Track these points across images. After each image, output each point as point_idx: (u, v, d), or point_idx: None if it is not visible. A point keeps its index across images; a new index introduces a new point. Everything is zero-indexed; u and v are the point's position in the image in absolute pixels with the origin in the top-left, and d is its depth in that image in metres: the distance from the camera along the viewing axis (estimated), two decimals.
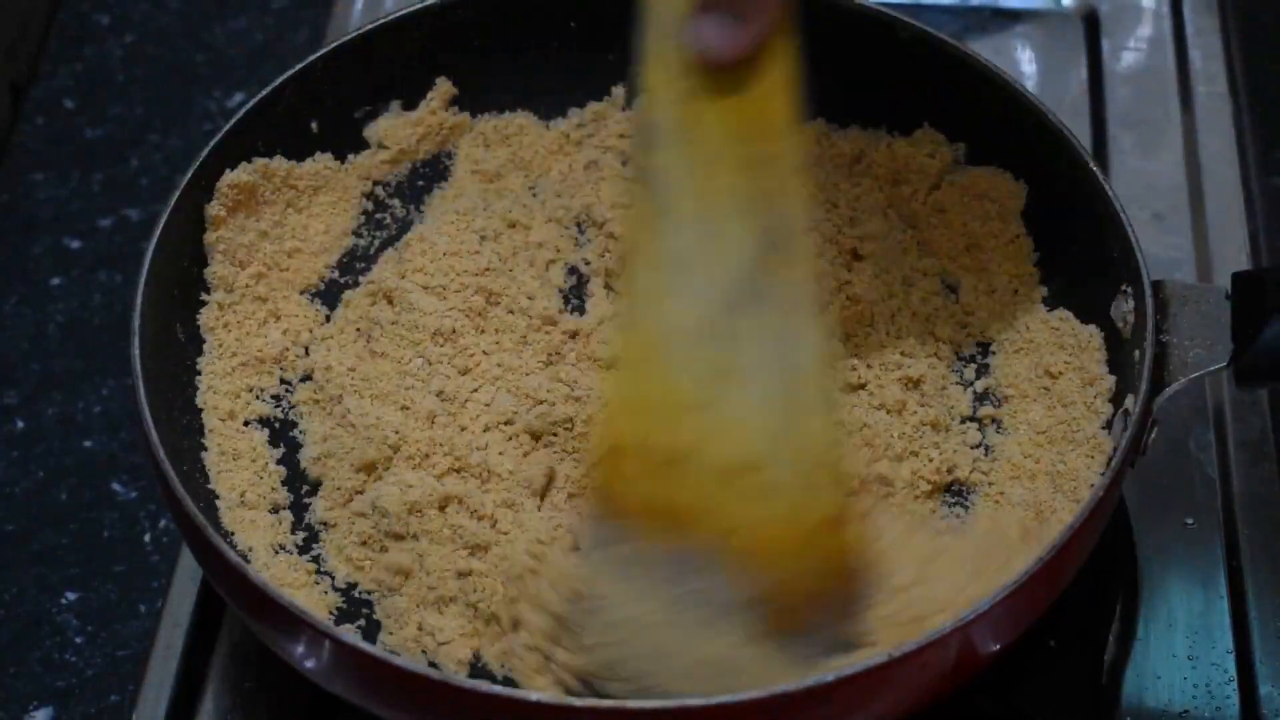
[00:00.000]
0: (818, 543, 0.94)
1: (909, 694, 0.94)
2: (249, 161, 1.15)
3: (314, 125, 1.19)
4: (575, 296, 1.16)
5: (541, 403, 1.08)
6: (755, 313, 0.91)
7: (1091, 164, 1.10)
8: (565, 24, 1.24)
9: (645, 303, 0.94)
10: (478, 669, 1.00)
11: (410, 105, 1.22)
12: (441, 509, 1.04)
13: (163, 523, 1.17)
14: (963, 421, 1.10)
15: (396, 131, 1.21)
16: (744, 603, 0.92)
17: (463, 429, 1.08)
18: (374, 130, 1.21)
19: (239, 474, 1.07)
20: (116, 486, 1.20)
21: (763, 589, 0.92)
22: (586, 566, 0.96)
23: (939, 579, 0.97)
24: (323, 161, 1.19)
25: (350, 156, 1.21)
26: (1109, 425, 1.05)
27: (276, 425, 1.11)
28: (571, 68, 1.24)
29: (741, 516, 0.93)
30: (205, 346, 1.11)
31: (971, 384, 1.12)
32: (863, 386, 1.10)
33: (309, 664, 0.97)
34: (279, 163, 1.16)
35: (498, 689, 0.92)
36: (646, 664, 0.93)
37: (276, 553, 1.05)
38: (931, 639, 0.91)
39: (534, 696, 0.92)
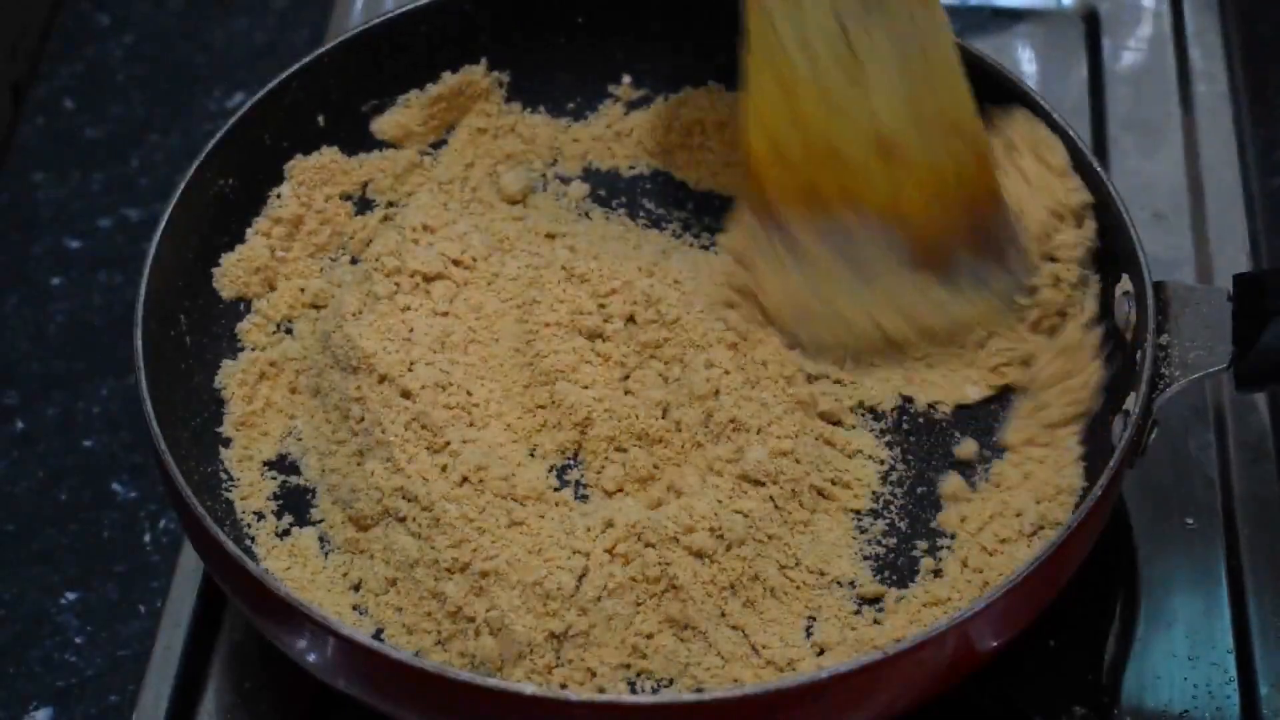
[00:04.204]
0: (962, 193, 1.08)
1: (907, 690, 0.94)
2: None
3: (320, 119, 1.19)
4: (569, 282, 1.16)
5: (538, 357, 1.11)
6: (881, 12, 1.05)
7: (1096, 165, 1.10)
8: (572, 19, 1.24)
9: (768, 18, 1.06)
10: None
11: (416, 100, 1.22)
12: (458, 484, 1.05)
13: (163, 523, 1.17)
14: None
15: (402, 125, 1.22)
16: (903, 250, 1.08)
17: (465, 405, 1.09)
18: (380, 124, 1.22)
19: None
20: (116, 486, 1.20)
21: (920, 235, 1.08)
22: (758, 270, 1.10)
23: None
24: (329, 155, 1.20)
25: (357, 150, 1.21)
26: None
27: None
28: (577, 62, 1.25)
29: (892, 187, 1.07)
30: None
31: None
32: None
33: (311, 658, 0.97)
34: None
35: (495, 683, 0.92)
36: (832, 330, 1.10)
37: (278, 542, 1.07)
38: (929, 636, 0.91)
39: (529, 690, 0.92)
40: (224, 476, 1.09)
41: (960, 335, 1.11)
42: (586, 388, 1.10)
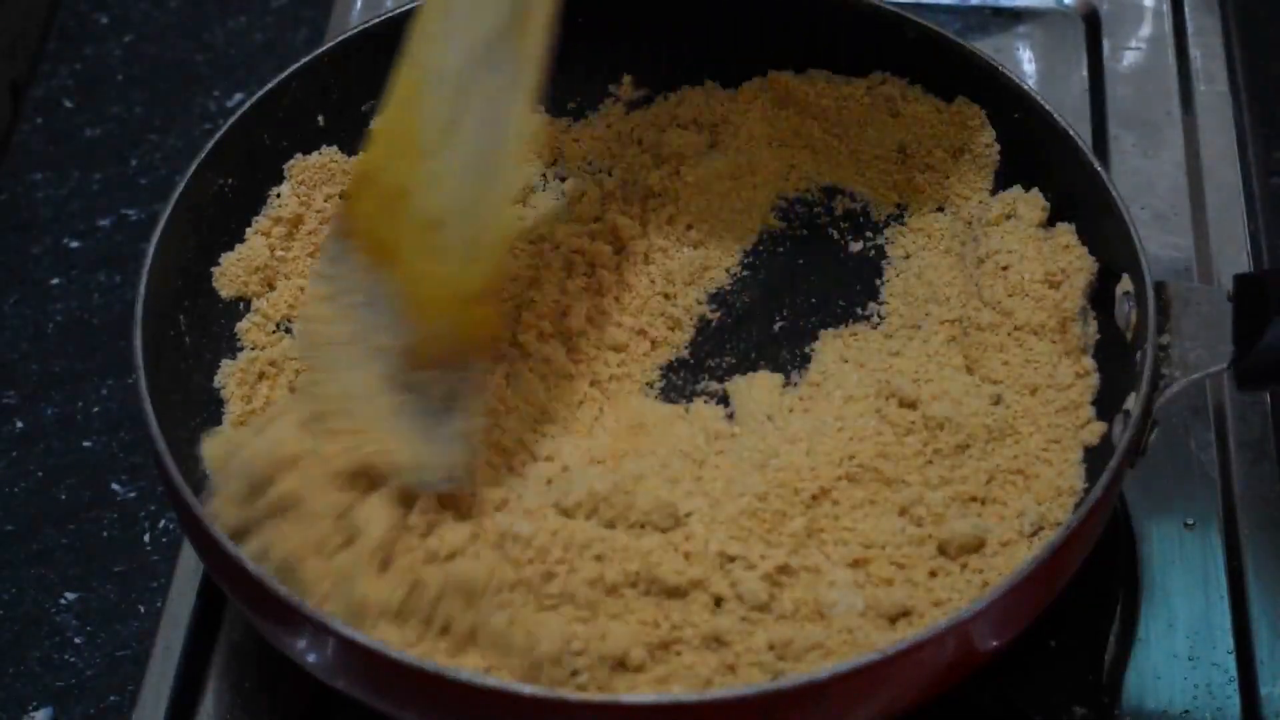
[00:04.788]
0: (465, 311, 1.02)
1: (906, 690, 0.94)
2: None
3: (320, 119, 1.19)
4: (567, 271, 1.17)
5: None
6: (488, 78, 1.01)
7: (1097, 165, 1.10)
8: (572, 19, 1.24)
9: (416, 43, 1.03)
10: None
11: None
12: None
13: (163, 523, 1.17)
14: None
15: None
16: (402, 343, 1.02)
17: None
18: None
19: None
20: (116, 486, 1.20)
21: (417, 334, 1.01)
22: (318, 283, 1.07)
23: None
24: (329, 155, 1.20)
25: (357, 150, 1.21)
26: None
27: None
28: (577, 62, 1.25)
29: (420, 266, 1.02)
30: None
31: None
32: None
33: (311, 658, 0.97)
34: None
35: (495, 683, 0.92)
36: (332, 384, 1.03)
37: None
38: (929, 636, 0.91)
39: (529, 690, 0.92)
40: None
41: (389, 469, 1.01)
42: None
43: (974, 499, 1.04)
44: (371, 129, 1.07)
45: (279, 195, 1.18)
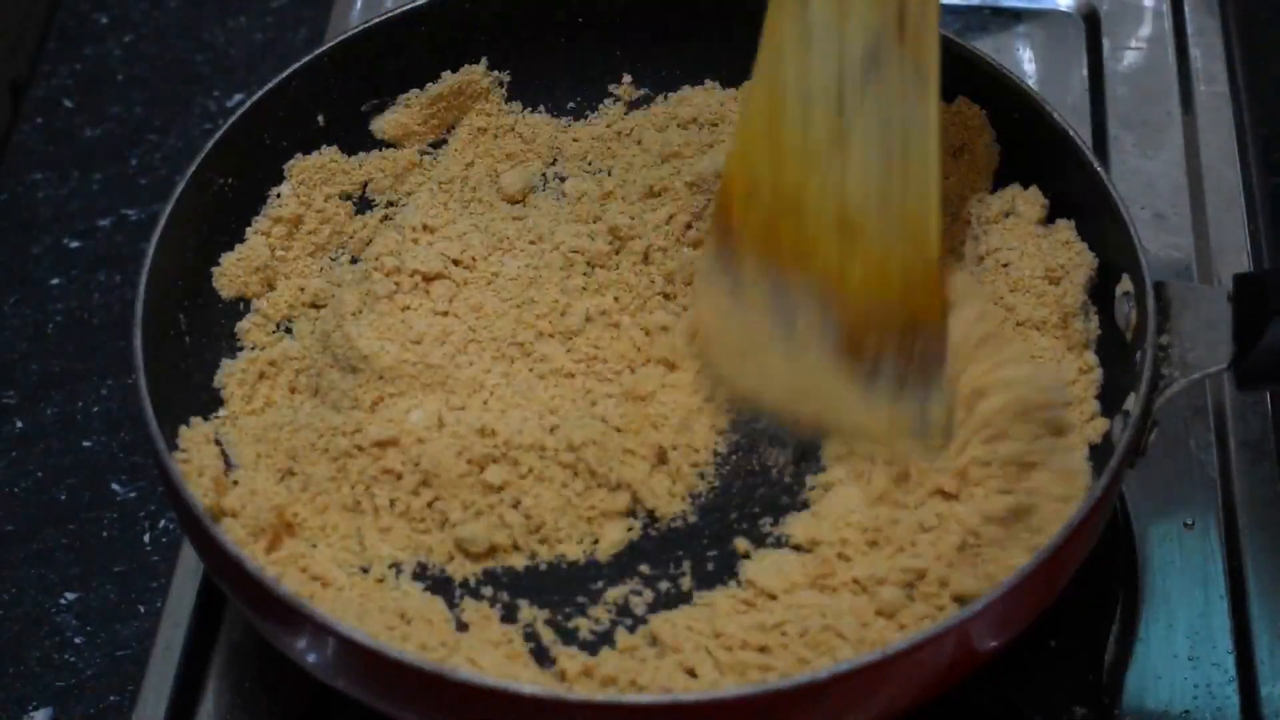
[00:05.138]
0: (905, 297, 1.04)
1: (905, 690, 0.94)
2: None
3: (320, 119, 1.19)
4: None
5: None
6: (878, 81, 1.02)
7: (1097, 165, 1.10)
8: (573, 19, 1.24)
9: (779, 56, 1.04)
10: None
11: (416, 99, 1.22)
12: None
13: (162, 523, 1.18)
14: None
15: (402, 125, 1.22)
16: (835, 330, 1.04)
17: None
18: (380, 124, 1.22)
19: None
20: (116, 486, 1.20)
21: (854, 321, 1.04)
22: (701, 294, 1.09)
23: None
24: (329, 155, 1.20)
25: (357, 150, 1.21)
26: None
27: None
28: (577, 62, 1.25)
29: (841, 264, 1.04)
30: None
31: None
32: None
33: (311, 658, 0.97)
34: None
35: (494, 682, 0.92)
36: (748, 379, 1.07)
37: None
38: (929, 636, 0.91)
39: (527, 689, 0.92)
40: None
41: (859, 442, 1.05)
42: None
43: None
44: (735, 142, 1.08)
45: (279, 195, 1.18)
